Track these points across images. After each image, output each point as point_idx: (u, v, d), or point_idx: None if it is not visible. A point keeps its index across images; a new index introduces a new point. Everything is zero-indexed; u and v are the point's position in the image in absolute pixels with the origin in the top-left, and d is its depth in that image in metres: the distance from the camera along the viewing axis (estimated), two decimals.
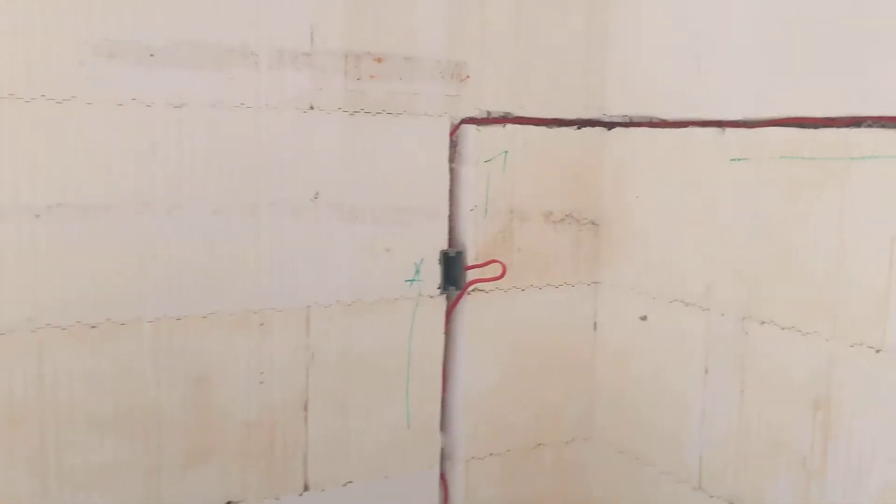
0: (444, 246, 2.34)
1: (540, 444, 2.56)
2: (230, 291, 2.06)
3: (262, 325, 2.11)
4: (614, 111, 2.52)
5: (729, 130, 2.17)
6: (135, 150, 1.92)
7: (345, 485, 2.27)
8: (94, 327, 1.92)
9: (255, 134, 2.05)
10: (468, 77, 2.32)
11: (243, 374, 2.11)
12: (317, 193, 2.14)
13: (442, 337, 2.37)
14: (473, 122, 2.34)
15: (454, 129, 2.33)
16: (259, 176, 2.07)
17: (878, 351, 1.84)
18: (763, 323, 2.09)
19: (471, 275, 2.36)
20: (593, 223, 2.56)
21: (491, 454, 2.48)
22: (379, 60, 2.19)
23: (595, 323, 2.61)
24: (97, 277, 1.91)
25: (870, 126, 1.86)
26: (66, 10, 1.81)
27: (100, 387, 1.94)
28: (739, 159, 2.14)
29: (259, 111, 2.05)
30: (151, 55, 1.92)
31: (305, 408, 2.20)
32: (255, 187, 2.06)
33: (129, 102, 1.90)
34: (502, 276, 2.31)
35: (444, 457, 2.45)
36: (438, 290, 2.34)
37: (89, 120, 1.87)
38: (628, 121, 2.49)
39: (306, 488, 2.21)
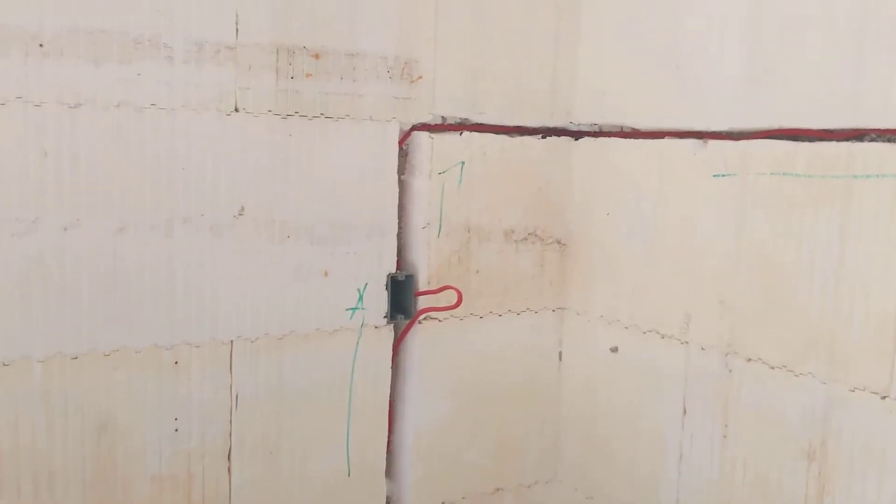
0: (392, 269, 2.06)
1: (499, 489, 2.30)
2: (138, 324, 1.76)
3: (176, 363, 1.81)
4: (582, 119, 2.27)
5: (711, 142, 1.94)
6: (21, 158, 1.62)
7: None
8: None
9: (168, 139, 1.76)
10: (420, 77, 2.05)
11: (154, 420, 1.81)
12: (242, 209, 1.85)
13: (388, 372, 2.10)
14: (426, 129, 2.07)
15: (404, 137, 2.06)
16: (173, 188, 1.77)
17: (883, 397, 1.62)
18: (749, 360, 1.86)
19: (422, 302, 2.08)
20: (559, 242, 2.30)
21: (444, 502, 2.21)
22: (316, 56, 1.91)
23: (561, 353, 2.35)
24: None
25: (873, 140, 1.65)
26: None
27: None
28: (723, 175, 1.91)
29: (173, 113, 1.76)
30: (41, 45, 1.61)
31: (228, 457, 1.90)
32: (168, 201, 1.77)
33: (12, 101, 1.60)
34: (458, 304, 2.04)
35: None
36: (385, 320, 2.06)
37: None
38: (598, 130, 2.24)
39: None
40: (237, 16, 1.81)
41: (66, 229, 1.67)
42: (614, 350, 2.19)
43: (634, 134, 2.14)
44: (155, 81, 1.73)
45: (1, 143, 1.60)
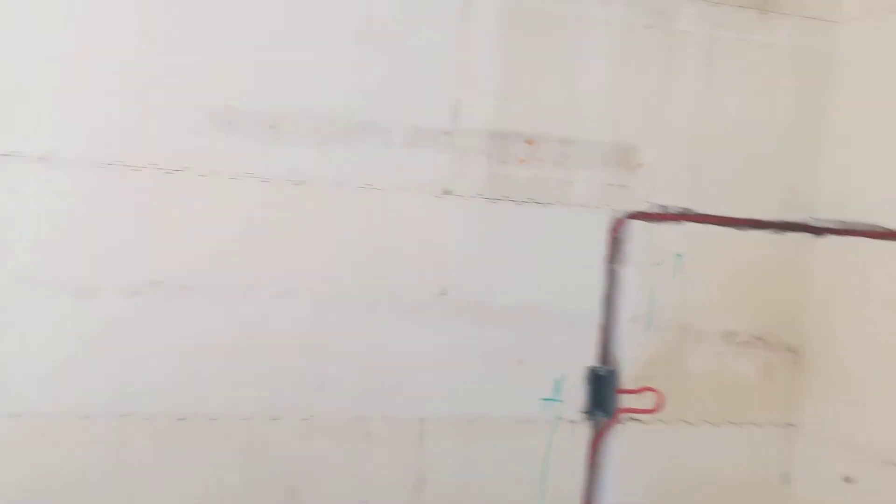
0: (594, 361, 1.96)
1: None
2: (335, 394, 1.82)
3: (368, 434, 1.85)
4: (825, 214, 2.05)
5: None
6: (246, 229, 1.76)
7: None
8: (182, 420, 1.75)
9: (380, 219, 1.83)
10: (639, 164, 1.97)
11: (342, 488, 1.84)
12: (444, 290, 1.87)
13: (583, 472, 1.98)
14: (642, 218, 1.98)
15: (617, 225, 1.98)
16: (380, 266, 1.83)
17: None
18: None
19: (625, 400, 1.95)
20: (791, 350, 2.07)
21: None
22: (530, 142, 1.90)
23: (786, 476, 2.08)
24: (190, 365, 1.75)
25: None
26: (186, 74, 1.70)
27: (180, 484, 1.76)
28: None
29: (387, 193, 1.83)
30: (273, 127, 1.76)
31: None
32: (374, 279, 1.83)
33: (244, 177, 1.75)
34: (657, 409, 1.89)
35: None
36: (582, 415, 1.96)
37: (200, 193, 1.73)
38: (844, 227, 2.00)
39: None
40: (456, 103, 1.86)
41: (276, 298, 1.78)
42: (849, 480, 1.90)
43: (888, 234, 1.88)
44: (373, 163, 1.82)
45: (230, 215, 1.75)
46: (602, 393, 1.95)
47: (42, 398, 1.68)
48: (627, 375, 1.96)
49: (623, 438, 1.98)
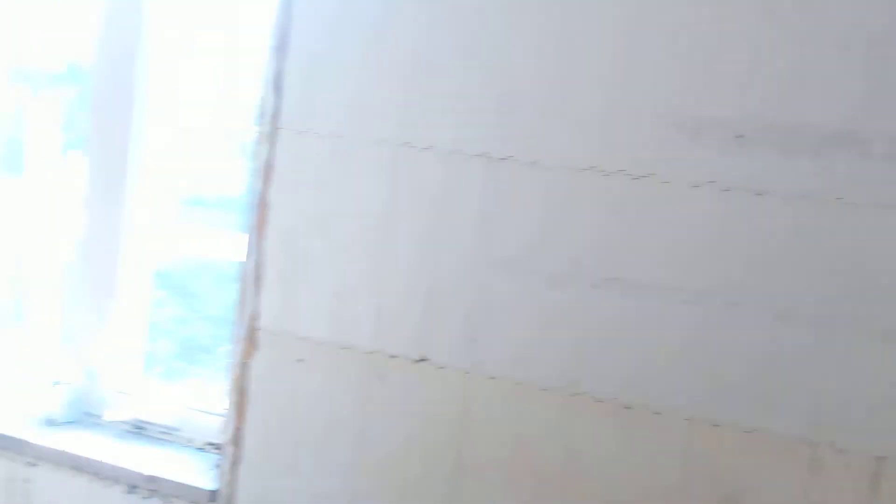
0: None
1: None
2: (782, 411, 1.77)
3: (814, 461, 1.75)
4: None
5: None
6: (700, 236, 1.81)
7: None
8: (628, 408, 1.87)
9: (851, 235, 1.72)
10: None
11: None
12: None
13: None
14: None
15: None
16: (844, 285, 1.72)
17: None
18: None
19: None
20: None
21: None
22: None
23: None
24: (640, 359, 1.86)
25: None
26: (653, 86, 1.81)
27: (620, 470, 1.88)
28: None
29: (861, 209, 1.71)
30: (738, 137, 1.77)
31: None
32: (835, 298, 1.72)
33: (704, 185, 1.80)
34: None
35: None
36: None
37: (661, 199, 1.83)
38: None
39: None
40: None
41: (726, 306, 1.79)
42: None
43: None
44: (846, 176, 1.71)
45: (687, 221, 1.81)
46: None
47: (512, 367, 1.95)
48: None
49: None
